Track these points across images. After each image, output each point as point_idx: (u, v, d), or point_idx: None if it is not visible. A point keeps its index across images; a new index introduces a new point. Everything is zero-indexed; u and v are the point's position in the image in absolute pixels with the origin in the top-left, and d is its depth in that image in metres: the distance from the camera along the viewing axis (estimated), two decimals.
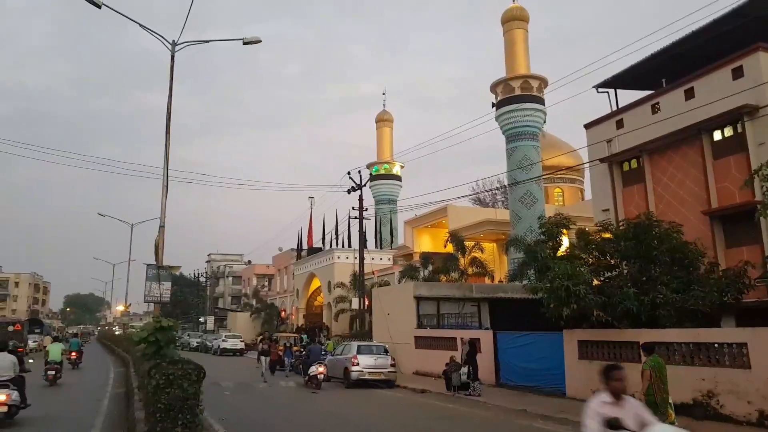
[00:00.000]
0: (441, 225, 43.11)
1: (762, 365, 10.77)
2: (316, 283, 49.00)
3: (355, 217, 32.09)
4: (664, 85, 20.75)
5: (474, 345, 17.42)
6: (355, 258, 34.51)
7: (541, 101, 35.45)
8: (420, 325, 23.37)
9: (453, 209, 41.82)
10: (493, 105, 35.92)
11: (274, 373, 24.02)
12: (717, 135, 18.57)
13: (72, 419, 12.41)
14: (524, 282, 18.71)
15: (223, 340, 41.31)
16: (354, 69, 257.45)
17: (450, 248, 28.32)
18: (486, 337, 18.72)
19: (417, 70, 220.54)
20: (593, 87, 23.93)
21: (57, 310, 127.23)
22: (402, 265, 36.28)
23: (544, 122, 36.14)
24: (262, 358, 23.03)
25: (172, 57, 14.91)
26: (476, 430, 12.01)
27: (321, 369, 18.46)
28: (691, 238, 15.06)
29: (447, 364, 17.60)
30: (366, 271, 33.07)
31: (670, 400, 9.65)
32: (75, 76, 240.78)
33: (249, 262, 77.05)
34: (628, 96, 23.66)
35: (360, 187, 30.19)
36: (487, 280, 30.02)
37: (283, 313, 52.95)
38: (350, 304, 35.52)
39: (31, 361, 19.00)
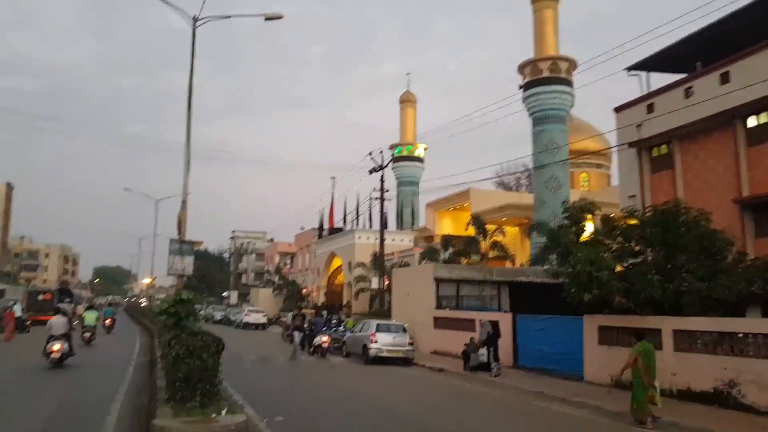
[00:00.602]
0: (463, 208, 42.71)
1: None
2: (336, 263, 49.40)
3: (377, 198, 32.17)
4: (699, 69, 20.11)
5: (497, 327, 17.45)
6: (376, 239, 34.63)
7: (569, 83, 34.65)
8: (439, 306, 23.44)
9: (476, 192, 41.45)
10: (521, 87, 35.25)
11: (304, 348, 24.10)
12: (752, 121, 17.98)
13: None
14: (546, 266, 18.59)
15: (246, 314, 42.17)
16: (379, 51, 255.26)
17: (471, 231, 28.18)
18: (505, 320, 18.69)
19: (442, 52, 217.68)
20: (624, 69, 23.27)
21: (86, 282, 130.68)
22: (422, 247, 36.24)
23: (572, 105, 35.42)
24: (295, 333, 22.01)
25: (194, 32, 15.12)
26: (488, 410, 12.04)
27: (324, 339, 18.71)
28: (720, 226, 14.68)
29: (466, 345, 17.73)
30: (386, 251, 33.17)
31: (656, 383, 10.10)
32: (102, 55, 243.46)
33: (272, 240, 77.89)
34: (660, 79, 22.98)
35: (382, 168, 30.14)
36: (508, 264, 29.82)
37: (304, 290, 53.59)
38: (370, 284, 35.76)
39: None
